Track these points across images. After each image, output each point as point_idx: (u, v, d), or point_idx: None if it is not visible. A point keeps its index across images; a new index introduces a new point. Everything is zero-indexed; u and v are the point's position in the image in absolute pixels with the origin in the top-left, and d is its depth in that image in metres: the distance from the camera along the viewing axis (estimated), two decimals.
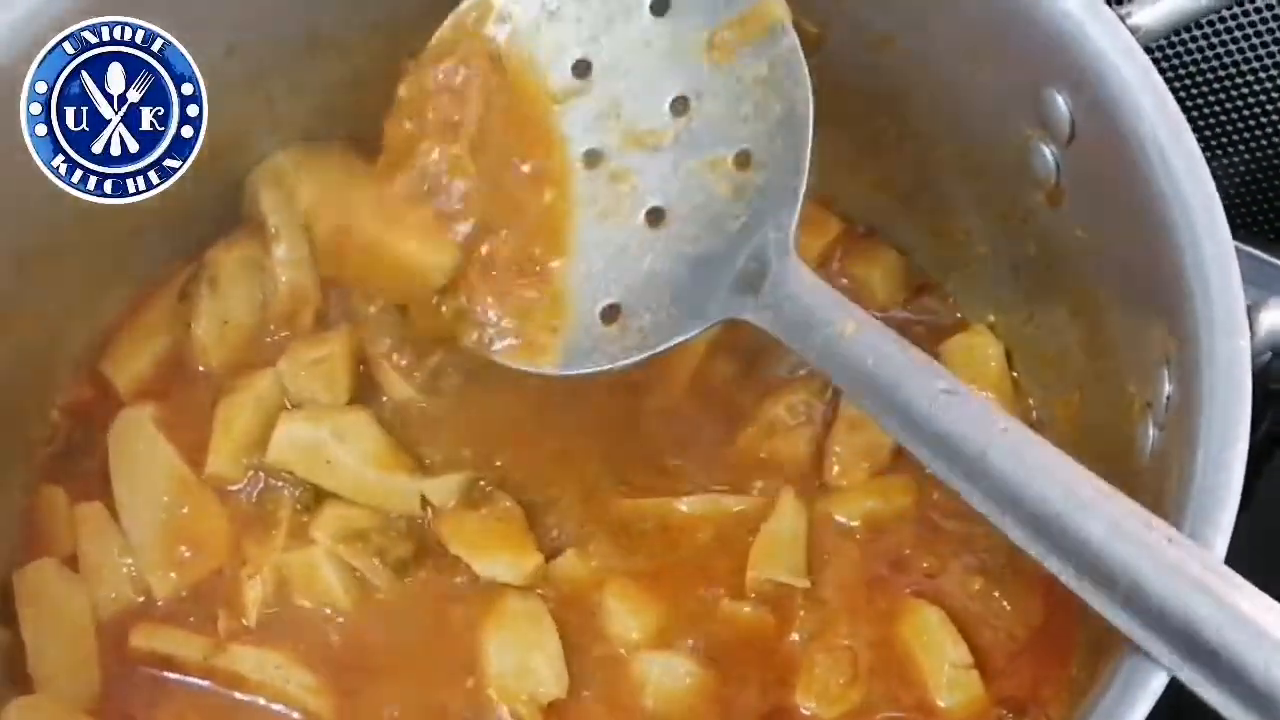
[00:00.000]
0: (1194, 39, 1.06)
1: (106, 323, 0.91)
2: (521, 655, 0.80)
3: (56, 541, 0.85)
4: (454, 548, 0.83)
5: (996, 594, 0.83)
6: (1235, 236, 0.93)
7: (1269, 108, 1.06)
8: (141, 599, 0.83)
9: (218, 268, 0.90)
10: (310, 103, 0.92)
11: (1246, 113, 1.08)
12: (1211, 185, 0.68)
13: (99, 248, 0.86)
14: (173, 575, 0.83)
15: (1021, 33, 0.76)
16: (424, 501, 0.84)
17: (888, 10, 0.84)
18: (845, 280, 0.94)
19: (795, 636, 0.82)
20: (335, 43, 0.90)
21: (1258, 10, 1.02)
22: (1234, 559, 0.84)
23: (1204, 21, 1.04)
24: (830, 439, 0.87)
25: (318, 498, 0.84)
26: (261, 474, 0.85)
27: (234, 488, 0.85)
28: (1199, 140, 0.69)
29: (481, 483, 0.85)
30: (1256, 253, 0.95)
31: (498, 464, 0.86)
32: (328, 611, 0.82)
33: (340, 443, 0.84)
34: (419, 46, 0.91)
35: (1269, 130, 1.08)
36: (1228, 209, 0.68)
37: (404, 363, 0.87)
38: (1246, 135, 1.09)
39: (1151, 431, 0.72)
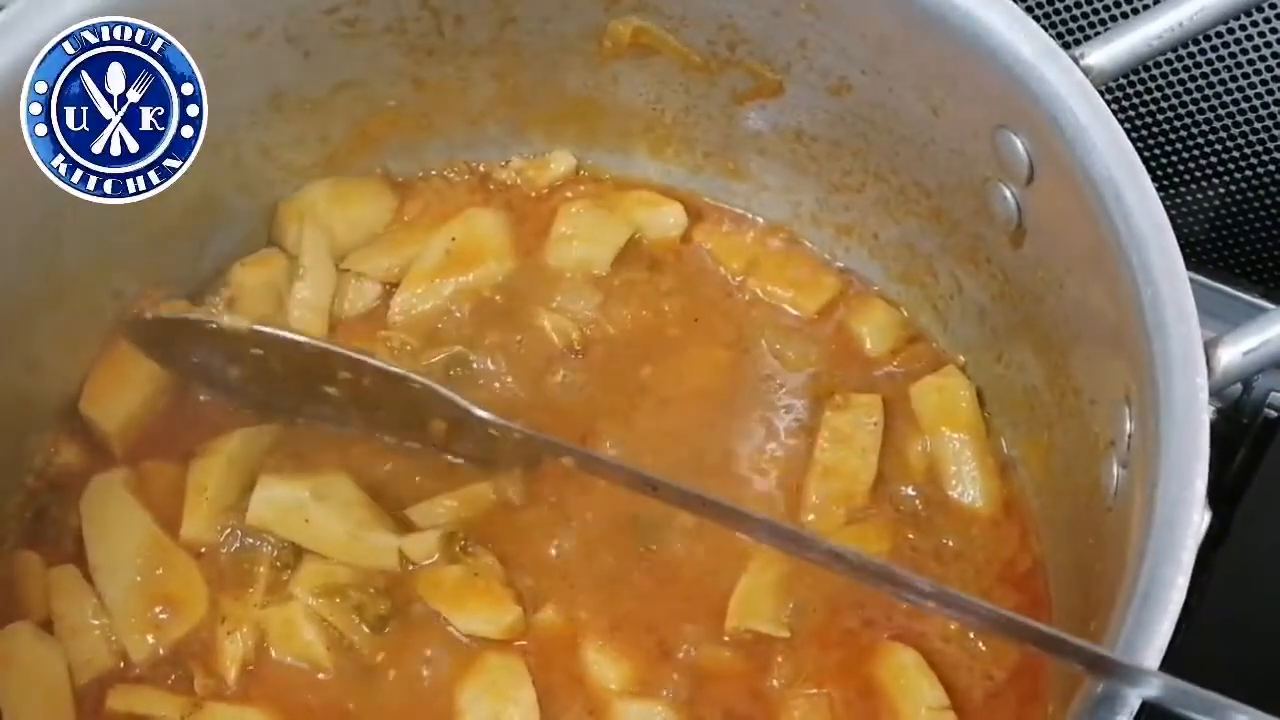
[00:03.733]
0: (1151, 77, 1.07)
1: (79, 379, 0.90)
2: (496, 709, 0.79)
3: (32, 606, 0.84)
4: (433, 603, 0.83)
5: (972, 635, 0.83)
6: (1202, 271, 0.94)
7: (1229, 144, 1.07)
8: (120, 663, 0.82)
9: (240, 288, 0.91)
10: (278, 161, 0.93)
11: (1208, 149, 1.09)
12: (1166, 224, 0.68)
13: (70, 304, 0.87)
14: (149, 639, 0.82)
15: (977, 76, 0.77)
16: (402, 558, 0.84)
17: (845, 57, 0.85)
18: (838, 333, 0.95)
19: (774, 682, 0.81)
20: (300, 102, 0.91)
21: (1213, 48, 1.04)
22: (1211, 592, 0.85)
23: (1157, 62, 1.05)
24: (806, 485, 0.87)
25: (296, 554, 0.84)
26: (239, 532, 0.85)
27: (210, 547, 0.85)
28: (1158, 179, 0.70)
29: (460, 538, 0.85)
30: (1221, 286, 0.95)
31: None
32: (305, 668, 0.82)
33: (319, 502, 0.84)
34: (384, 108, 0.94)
35: (1229, 166, 1.09)
36: (1195, 245, 0.69)
37: None
38: (1208, 171, 1.10)
39: (1116, 470, 0.72)
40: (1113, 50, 0.74)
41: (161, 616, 0.82)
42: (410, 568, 0.84)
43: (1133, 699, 0.59)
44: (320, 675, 0.82)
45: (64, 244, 0.83)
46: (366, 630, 0.82)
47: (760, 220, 0.99)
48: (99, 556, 0.84)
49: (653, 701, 0.80)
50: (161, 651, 0.82)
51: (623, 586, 0.85)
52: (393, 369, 0.84)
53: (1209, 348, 0.66)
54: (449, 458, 0.87)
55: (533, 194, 0.99)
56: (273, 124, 0.91)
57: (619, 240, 0.96)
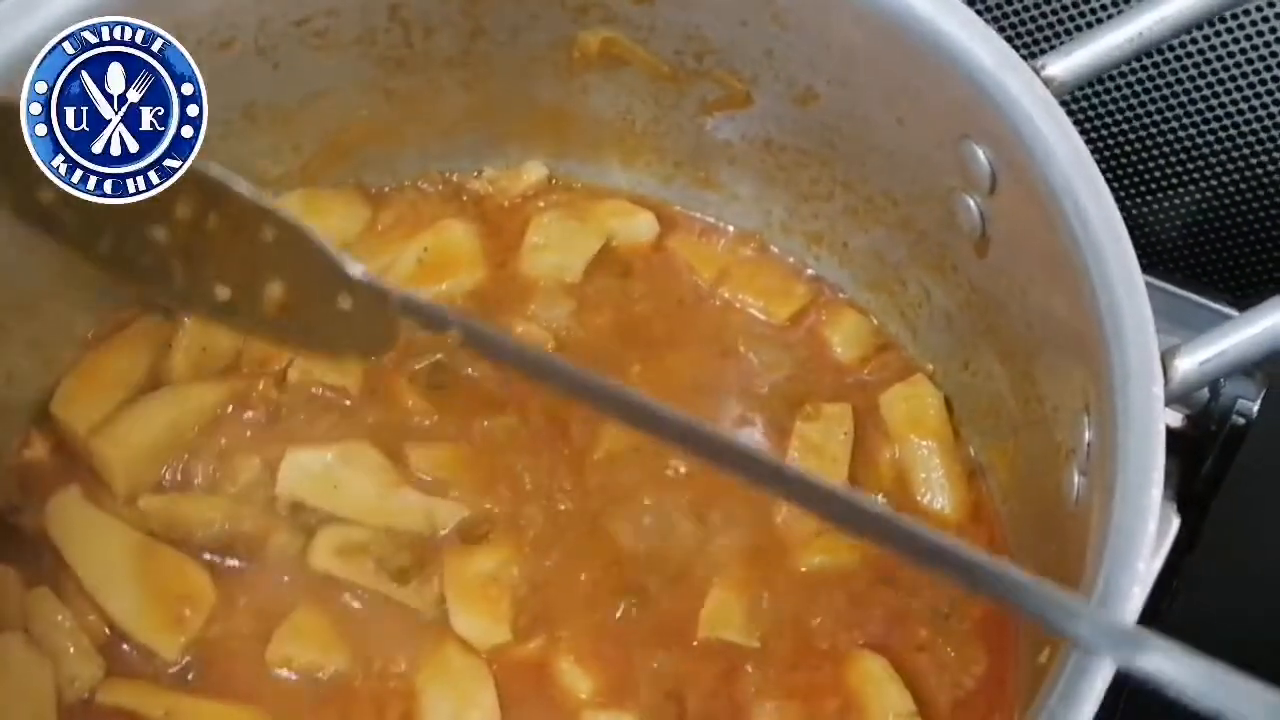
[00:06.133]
0: (1117, 86, 1.08)
1: (52, 389, 0.90)
2: (457, 711, 0.79)
3: (10, 620, 0.83)
4: (447, 588, 0.83)
5: (941, 642, 0.83)
6: (1171, 279, 0.94)
7: (1193, 152, 1.08)
8: (102, 676, 0.81)
9: None
10: (251, 171, 0.93)
11: (1173, 158, 1.09)
12: (1124, 233, 0.69)
13: (42, 317, 0.87)
14: (182, 639, 0.82)
15: (941, 87, 0.77)
16: (429, 521, 0.85)
17: (812, 67, 0.85)
18: (810, 340, 0.95)
19: (743, 691, 0.81)
20: (273, 112, 0.91)
21: (1177, 57, 1.04)
22: (1180, 597, 0.85)
23: (1121, 71, 1.06)
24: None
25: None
26: None
27: None
28: (1123, 188, 0.70)
29: (488, 525, 0.85)
30: (1189, 295, 0.96)
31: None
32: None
33: (346, 466, 0.85)
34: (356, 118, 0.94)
35: (1194, 175, 1.09)
36: (1163, 253, 0.69)
37: None
38: (1174, 180, 1.11)
39: (1077, 478, 0.72)
40: (1073, 61, 0.75)
41: (186, 613, 0.82)
42: (443, 533, 0.84)
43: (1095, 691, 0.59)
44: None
45: (35, 256, 0.83)
46: (390, 581, 0.83)
47: (732, 229, 0.99)
48: (93, 576, 0.83)
49: (621, 711, 0.81)
50: (188, 646, 0.82)
51: (609, 630, 0.84)
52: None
53: (1167, 356, 0.66)
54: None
55: (505, 204, 0.99)
56: (245, 134, 0.91)
57: (591, 249, 0.97)
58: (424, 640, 0.82)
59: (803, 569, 0.85)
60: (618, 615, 0.84)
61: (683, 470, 0.88)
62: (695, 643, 0.82)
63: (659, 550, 0.86)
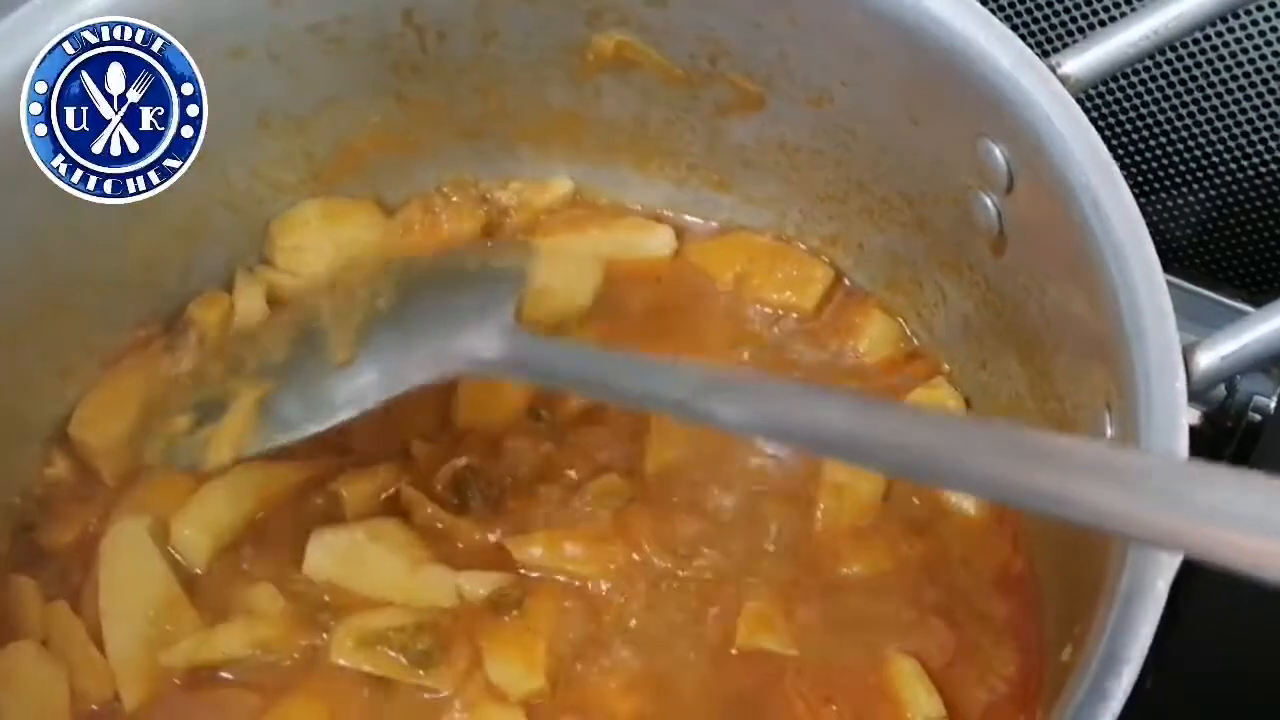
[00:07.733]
0: (1131, 85, 1.08)
1: (71, 403, 0.90)
2: None
3: (30, 629, 0.84)
4: (480, 638, 0.82)
5: (970, 645, 0.83)
6: (1186, 276, 0.94)
7: (1208, 149, 1.08)
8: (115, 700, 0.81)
9: (204, 326, 0.92)
10: (265, 178, 0.94)
11: (1188, 154, 1.09)
12: (1144, 230, 0.68)
13: (60, 330, 0.87)
14: (146, 690, 0.81)
15: (956, 86, 0.77)
16: (460, 595, 0.83)
17: (825, 68, 0.85)
18: (829, 343, 0.95)
19: (781, 697, 0.81)
20: (286, 119, 0.91)
21: (1191, 54, 1.04)
22: (1196, 595, 0.85)
23: (1135, 69, 1.06)
24: (816, 500, 0.87)
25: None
26: None
27: None
28: (1139, 185, 0.69)
29: (518, 596, 0.84)
30: (1205, 291, 0.96)
31: None
32: None
33: (375, 543, 0.84)
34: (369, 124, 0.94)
35: (1210, 171, 1.09)
36: (1179, 250, 0.68)
37: None
38: (1189, 176, 1.10)
39: None
40: (1089, 58, 0.74)
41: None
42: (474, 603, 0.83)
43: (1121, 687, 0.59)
44: None
45: (52, 267, 0.83)
46: (414, 668, 0.81)
47: (747, 231, 0.99)
48: (109, 601, 0.83)
49: None
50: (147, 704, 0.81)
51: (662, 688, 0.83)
52: None
53: (1187, 352, 0.66)
54: None
55: (522, 220, 0.99)
56: (259, 141, 0.91)
57: (597, 276, 0.97)
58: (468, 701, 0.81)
59: (839, 574, 0.85)
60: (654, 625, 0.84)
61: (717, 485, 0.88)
62: (734, 651, 0.82)
63: (694, 560, 0.85)
